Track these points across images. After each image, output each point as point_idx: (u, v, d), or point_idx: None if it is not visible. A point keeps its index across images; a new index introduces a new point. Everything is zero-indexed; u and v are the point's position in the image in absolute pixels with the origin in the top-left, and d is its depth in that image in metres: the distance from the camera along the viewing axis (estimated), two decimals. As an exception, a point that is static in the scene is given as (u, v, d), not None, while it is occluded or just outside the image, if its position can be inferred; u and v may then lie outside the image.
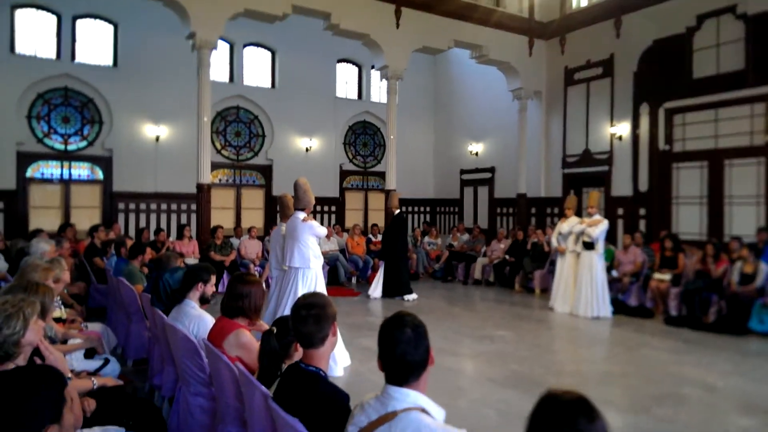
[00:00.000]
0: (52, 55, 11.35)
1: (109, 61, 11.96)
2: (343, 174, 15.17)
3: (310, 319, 2.12)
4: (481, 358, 5.63)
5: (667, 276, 7.81)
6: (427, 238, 12.33)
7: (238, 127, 13.67)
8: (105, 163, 11.98)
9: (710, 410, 4.30)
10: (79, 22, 11.61)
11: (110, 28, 11.94)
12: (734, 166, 9.97)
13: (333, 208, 14.75)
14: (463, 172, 15.53)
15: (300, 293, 5.03)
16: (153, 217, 12.40)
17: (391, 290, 8.95)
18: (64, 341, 3.68)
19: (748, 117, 9.68)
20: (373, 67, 12.86)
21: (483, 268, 10.56)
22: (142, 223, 12.01)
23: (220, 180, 13.50)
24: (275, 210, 13.93)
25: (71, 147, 11.65)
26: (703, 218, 10.42)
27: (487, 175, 14.79)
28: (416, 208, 16.41)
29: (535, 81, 13.24)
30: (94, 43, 11.82)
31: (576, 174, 12.75)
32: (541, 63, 13.35)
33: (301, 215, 5.32)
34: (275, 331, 2.46)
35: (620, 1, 11.54)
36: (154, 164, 12.30)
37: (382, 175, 15.83)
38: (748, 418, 4.11)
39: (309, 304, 2.17)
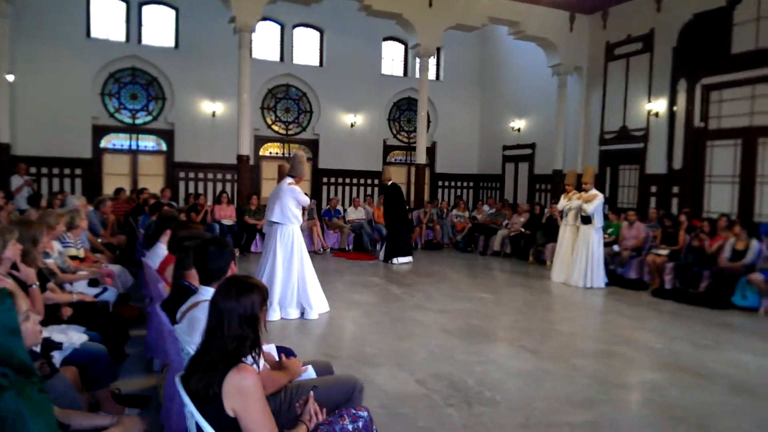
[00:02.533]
0: (122, 38, 12.75)
1: (171, 43, 13.22)
2: (387, 149, 15.82)
3: (190, 251, 2.86)
4: (448, 314, 6.20)
5: (664, 251, 7.92)
6: (455, 211, 12.79)
7: (288, 103, 14.63)
8: (168, 135, 13.35)
9: (626, 364, 4.67)
10: (145, 8, 12.92)
11: (172, 12, 13.17)
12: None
13: (375, 181, 15.46)
14: (505, 148, 15.71)
15: (279, 248, 5.82)
16: (210, 185, 13.69)
17: (388, 255, 9.66)
18: (74, 272, 4.68)
19: (784, 94, 9.34)
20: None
21: (502, 240, 10.94)
22: (200, 190, 13.32)
23: (270, 153, 14.58)
24: (321, 182, 14.93)
25: (138, 121, 13.10)
26: (735, 197, 10.20)
27: (528, 151, 14.91)
28: (460, 183, 16.81)
29: (575, 56, 13.17)
30: (158, 26, 13.10)
31: (612, 151, 12.67)
32: (582, 38, 13.23)
33: (289, 180, 6.06)
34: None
35: (662, -27, 11.26)
36: (211, 137, 13.51)
37: (427, 151, 16.33)
38: (656, 373, 4.46)
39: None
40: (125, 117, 12.96)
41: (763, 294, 6.52)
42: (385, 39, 15.33)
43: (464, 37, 15.02)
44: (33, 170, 11.65)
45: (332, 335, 5.42)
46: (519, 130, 15.20)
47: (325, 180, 14.96)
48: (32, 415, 1.51)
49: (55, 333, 3.26)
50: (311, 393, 2.15)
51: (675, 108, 11.20)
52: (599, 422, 3.51)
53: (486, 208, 12.84)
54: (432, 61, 16.21)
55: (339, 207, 12.15)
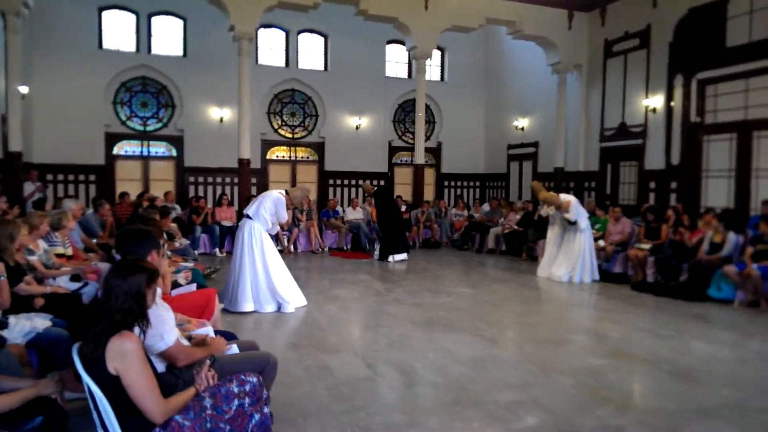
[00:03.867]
0: (132, 48, 13.31)
1: (180, 52, 13.73)
2: (393, 150, 16.07)
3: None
4: (421, 308, 6.41)
5: (647, 245, 7.98)
6: (454, 210, 12.97)
7: (294, 107, 15.01)
8: (178, 141, 13.86)
9: (576, 352, 4.83)
10: (154, 19, 13.46)
11: (180, 22, 13.69)
12: (762, 138, 9.64)
13: (382, 182, 15.71)
14: (510, 147, 15.81)
15: (245, 245, 6.12)
16: (219, 188, 14.13)
17: (383, 253, 9.91)
18: (58, 268, 5.06)
19: (777, 86, 9.30)
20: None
21: (496, 237, 11.08)
22: (209, 193, 13.79)
23: (277, 156, 14.99)
24: (327, 184, 15.26)
25: (149, 128, 13.64)
26: (731, 191, 10.16)
27: (531, 149, 14.99)
28: (466, 183, 16.95)
29: (574, 54, 13.23)
30: (167, 36, 13.63)
31: (612, 147, 12.69)
32: (581, 36, 13.28)
33: (284, 192, 6.39)
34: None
35: (657, -32, 11.28)
36: (218, 142, 13.95)
37: (432, 151, 16.58)
38: (602, 360, 4.60)
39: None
40: (136, 124, 13.52)
41: (738, 286, 6.55)
42: (389, 42, 15.58)
43: (468, 38, 15.18)
44: (49, 177, 12.27)
45: (302, 327, 5.70)
46: (523, 129, 15.29)
47: (331, 182, 15.28)
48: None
49: (22, 319, 3.62)
50: (206, 362, 2.42)
51: (672, 103, 11.19)
52: (525, 401, 3.70)
53: (486, 206, 12.99)
54: (436, 63, 16.48)
55: (338, 208, 12.44)
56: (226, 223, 10.64)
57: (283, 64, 14.70)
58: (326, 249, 11.28)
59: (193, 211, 10.46)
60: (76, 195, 12.14)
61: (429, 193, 15.73)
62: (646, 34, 11.72)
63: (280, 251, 10.58)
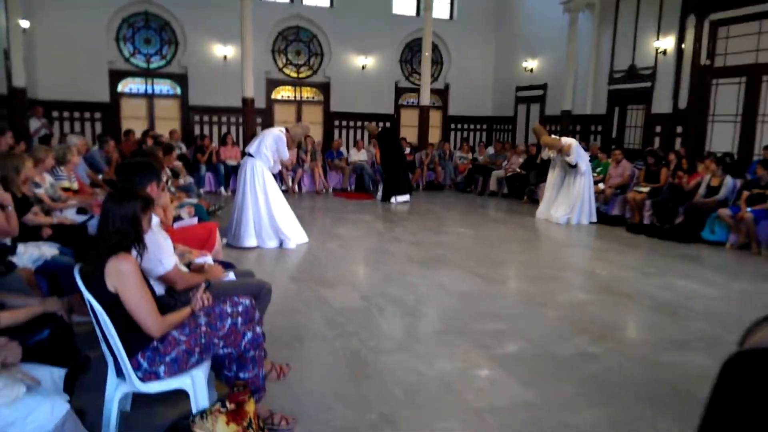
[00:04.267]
0: (134, -18, 13.03)
1: (183, -13, 13.42)
2: (399, 91, 15.90)
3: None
4: (419, 246, 6.59)
5: (645, 188, 8.05)
6: (458, 152, 12.97)
7: (298, 46, 14.78)
8: (182, 79, 13.76)
9: (562, 288, 5.01)
10: (155, -48, 13.10)
11: (183, -45, 13.31)
12: (771, 82, 9.48)
13: (387, 124, 15.63)
14: (518, 89, 15.58)
15: (248, 182, 6.25)
16: (224, 127, 14.15)
17: (386, 194, 10.04)
18: (65, 201, 5.23)
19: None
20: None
21: (499, 180, 11.15)
22: (214, 132, 13.83)
23: (282, 96, 14.89)
24: (333, 125, 15.22)
25: (153, 65, 13.53)
26: (736, 136, 10.09)
27: (540, 92, 14.77)
28: (473, 126, 16.83)
29: (587, -9, 12.82)
30: (169, -30, 13.29)
31: (620, 90, 12.50)
32: (594, -28, 12.82)
33: (283, 130, 6.44)
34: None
35: None
36: (223, 81, 13.83)
37: (439, 93, 16.39)
38: (587, 295, 4.79)
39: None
40: (140, 61, 13.41)
41: (731, 229, 6.65)
42: (397, -22, 15.13)
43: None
44: (55, 114, 12.33)
45: (302, 262, 5.90)
46: (532, 70, 15.02)
47: (336, 123, 15.23)
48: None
49: (30, 247, 3.80)
50: (202, 285, 2.59)
51: (683, 45, 10.93)
52: (507, 330, 3.90)
53: (490, 150, 12.97)
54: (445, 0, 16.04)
55: (342, 149, 12.47)
56: (231, 162, 10.75)
57: (287, 0, 14.37)
58: (330, 189, 11.42)
59: (198, 149, 10.56)
60: (81, 132, 12.24)
61: (435, 136, 15.64)
62: (661, -29, 11.31)
63: (285, 191, 10.76)
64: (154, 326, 2.26)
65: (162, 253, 2.77)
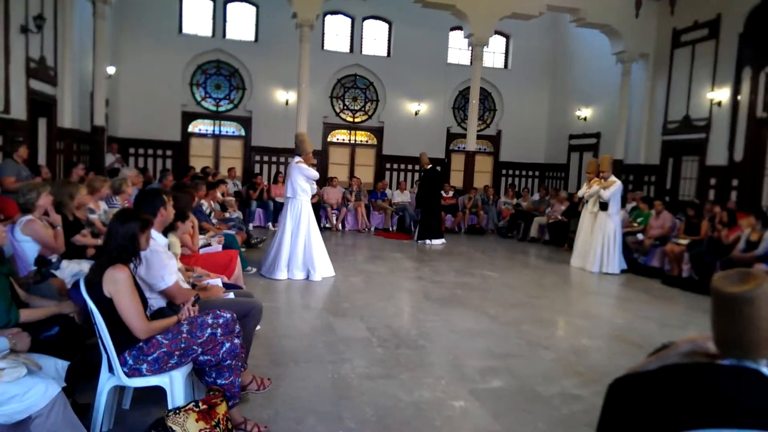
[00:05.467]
0: (209, 33, 14.29)
1: (252, 37, 14.58)
2: (451, 137, 16.27)
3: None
4: (440, 285, 6.75)
5: (684, 241, 7.85)
6: (503, 198, 13.05)
7: (355, 92, 15.55)
8: (246, 122, 14.78)
9: (570, 333, 5.02)
10: (230, 5, 14.37)
11: (253, 9, 14.51)
12: (830, 136, 9.10)
13: (438, 168, 15.94)
14: (571, 137, 15.57)
15: (288, 220, 6.69)
16: (282, 167, 14.96)
17: (421, 235, 10.22)
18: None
19: None
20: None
21: (540, 227, 11.11)
22: (273, 172, 14.64)
23: (337, 139, 15.61)
24: (384, 167, 15.73)
25: (221, 109, 14.64)
26: (794, 192, 9.68)
27: (593, 140, 14.70)
28: (524, 172, 16.87)
29: (641, 43, 12.83)
30: (241, 22, 14.51)
31: (674, 141, 12.29)
32: (648, 24, 12.85)
33: (297, 159, 6.90)
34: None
35: (730, -45, 10.76)
36: (284, 124, 14.72)
37: (491, 139, 16.64)
38: (593, 341, 4.77)
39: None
40: (210, 105, 14.55)
41: None
42: (452, 29, 15.71)
43: (533, 25, 15.00)
44: (131, 150, 13.54)
45: (322, 293, 6.20)
46: (585, 119, 15.02)
47: (387, 165, 15.72)
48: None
49: (73, 263, 4.34)
50: (192, 298, 2.95)
51: (738, 97, 10.71)
52: (498, 368, 4.00)
53: (536, 196, 12.98)
54: (500, 50, 16.43)
55: (387, 190, 12.86)
56: (280, 200, 11.35)
57: (347, 49, 15.24)
58: (372, 228, 11.77)
59: (251, 186, 11.26)
60: (154, 168, 13.32)
61: (485, 181, 15.80)
62: (715, 24, 11.22)
63: (329, 228, 11.29)
64: (140, 328, 2.62)
65: (165, 270, 3.16)
